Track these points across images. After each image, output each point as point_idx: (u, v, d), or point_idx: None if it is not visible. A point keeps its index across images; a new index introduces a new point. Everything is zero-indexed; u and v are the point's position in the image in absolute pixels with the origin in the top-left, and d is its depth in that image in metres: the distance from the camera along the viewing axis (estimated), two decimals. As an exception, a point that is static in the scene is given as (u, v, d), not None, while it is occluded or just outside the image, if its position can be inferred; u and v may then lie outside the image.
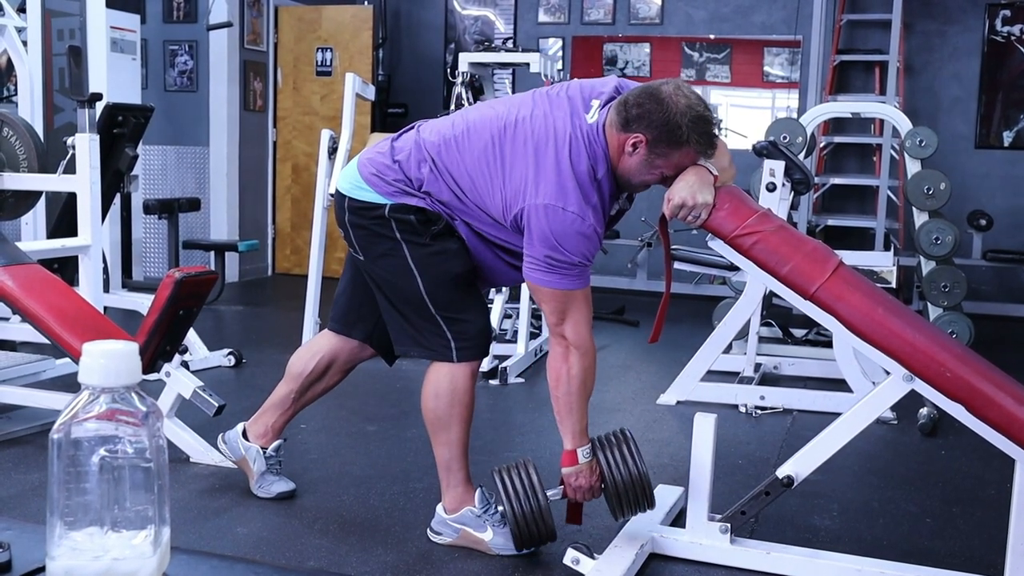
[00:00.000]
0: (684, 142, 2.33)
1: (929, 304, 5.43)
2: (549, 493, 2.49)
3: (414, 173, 2.49)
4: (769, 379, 4.67)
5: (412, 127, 2.61)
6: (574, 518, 2.59)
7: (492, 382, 4.51)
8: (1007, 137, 7.30)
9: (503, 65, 5.85)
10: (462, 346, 2.57)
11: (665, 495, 2.96)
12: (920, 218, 5.45)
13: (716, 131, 2.40)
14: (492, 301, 4.90)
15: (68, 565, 0.80)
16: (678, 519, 2.85)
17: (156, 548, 0.82)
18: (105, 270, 4.77)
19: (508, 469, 2.49)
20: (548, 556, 2.61)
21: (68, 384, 3.83)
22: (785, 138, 5.13)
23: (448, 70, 8.02)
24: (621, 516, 2.53)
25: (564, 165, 2.34)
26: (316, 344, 2.94)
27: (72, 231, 4.05)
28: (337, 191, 2.65)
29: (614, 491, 2.46)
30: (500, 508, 2.63)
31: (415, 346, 2.63)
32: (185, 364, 3.55)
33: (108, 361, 0.80)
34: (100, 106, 4.38)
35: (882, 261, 4.86)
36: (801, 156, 5.00)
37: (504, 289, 4.97)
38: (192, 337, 4.51)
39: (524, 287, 4.85)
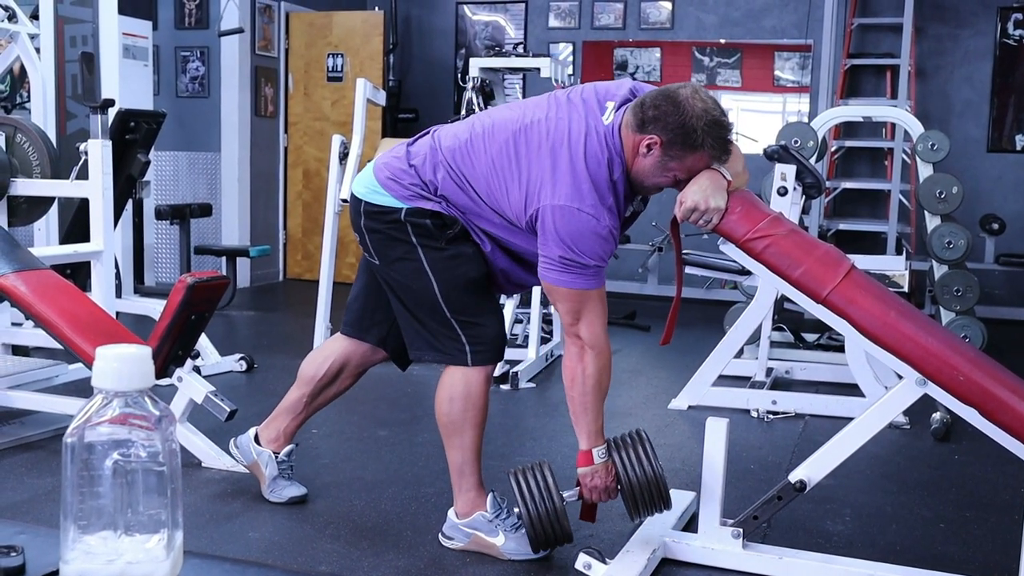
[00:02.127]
0: (699, 146, 2.32)
1: (942, 308, 5.41)
2: (565, 494, 2.48)
3: (429, 177, 2.50)
4: (781, 383, 4.66)
5: (428, 132, 2.62)
6: (588, 516, 2.59)
7: (504, 387, 4.51)
8: (1019, 141, 7.26)
9: (514, 70, 5.84)
10: (476, 350, 2.57)
11: (677, 500, 2.95)
12: (932, 222, 5.43)
13: (731, 137, 2.39)
14: (503, 306, 4.90)
15: (82, 569, 0.80)
16: (690, 524, 2.84)
17: (169, 552, 0.82)
18: (117, 275, 4.78)
19: (524, 471, 2.50)
20: (560, 561, 2.61)
21: (80, 389, 3.84)
22: (796, 142, 5.12)
23: (459, 75, 8.04)
24: (637, 517, 2.52)
25: (579, 166, 2.34)
26: (328, 348, 2.94)
27: (84, 237, 4.07)
28: (352, 195, 2.65)
29: (629, 492, 2.46)
30: (516, 510, 2.63)
31: (430, 350, 2.63)
32: (197, 369, 3.56)
33: (121, 365, 0.80)
34: (112, 112, 4.39)
35: (894, 265, 4.84)
36: (812, 160, 4.99)
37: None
38: (204, 342, 4.52)
39: (535, 290, 4.85)
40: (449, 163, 2.48)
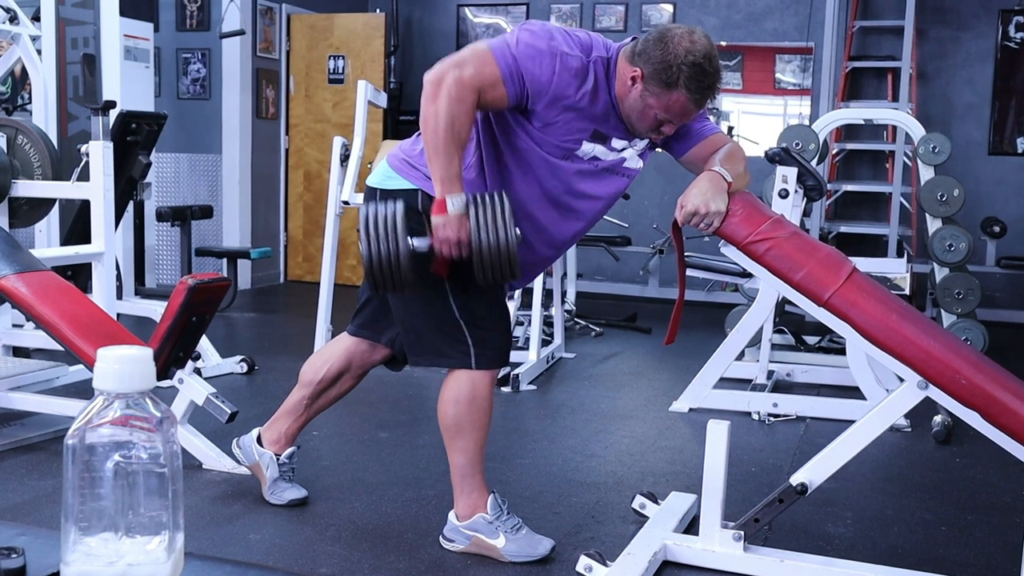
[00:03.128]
0: (674, 84, 2.33)
1: (943, 311, 5.41)
2: (415, 241, 2.38)
3: None
4: (782, 386, 4.66)
5: None
6: (439, 268, 2.48)
7: (504, 389, 4.51)
8: (1021, 144, 7.26)
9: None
10: (482, 353, 2.56)
11: (678, 502, 2.95)
12: (933, 225, 5.43)
13: (715, 83, 2.38)
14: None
15: (82, 570, 0.80)
16: (691, 527, 2.84)
17: (170, 554, 0.82)
18: (118, 277, 4.78)
19: (377, 212, 2.38)
20: (560, 563, 2.60)
21: (81, 391, 3.84)
22: (797, 144, 5.12)
23: (460, 77, 8.03)
24: (483, 279, 2.41)
25: (558, 29, 2.43)
26: (328, 351, 2.94)
27: (85, 238, 4.07)
28: (368, 187, 2.66)
29: (478, 252, 2.35)
30: (515, 522, 2.63)
31: (434, 356, 2.62)
32: (198, 371, 3.55)
33: (122, 366, 0.80)
34: (114, 114, 4.40)
35: (895, 268, 4.84)
36: (814, 163, 4.99)
37: (516, 296, 4.97)
38: (204, 344, 4.52)
39: (536, 292, 4.85)
40: None
